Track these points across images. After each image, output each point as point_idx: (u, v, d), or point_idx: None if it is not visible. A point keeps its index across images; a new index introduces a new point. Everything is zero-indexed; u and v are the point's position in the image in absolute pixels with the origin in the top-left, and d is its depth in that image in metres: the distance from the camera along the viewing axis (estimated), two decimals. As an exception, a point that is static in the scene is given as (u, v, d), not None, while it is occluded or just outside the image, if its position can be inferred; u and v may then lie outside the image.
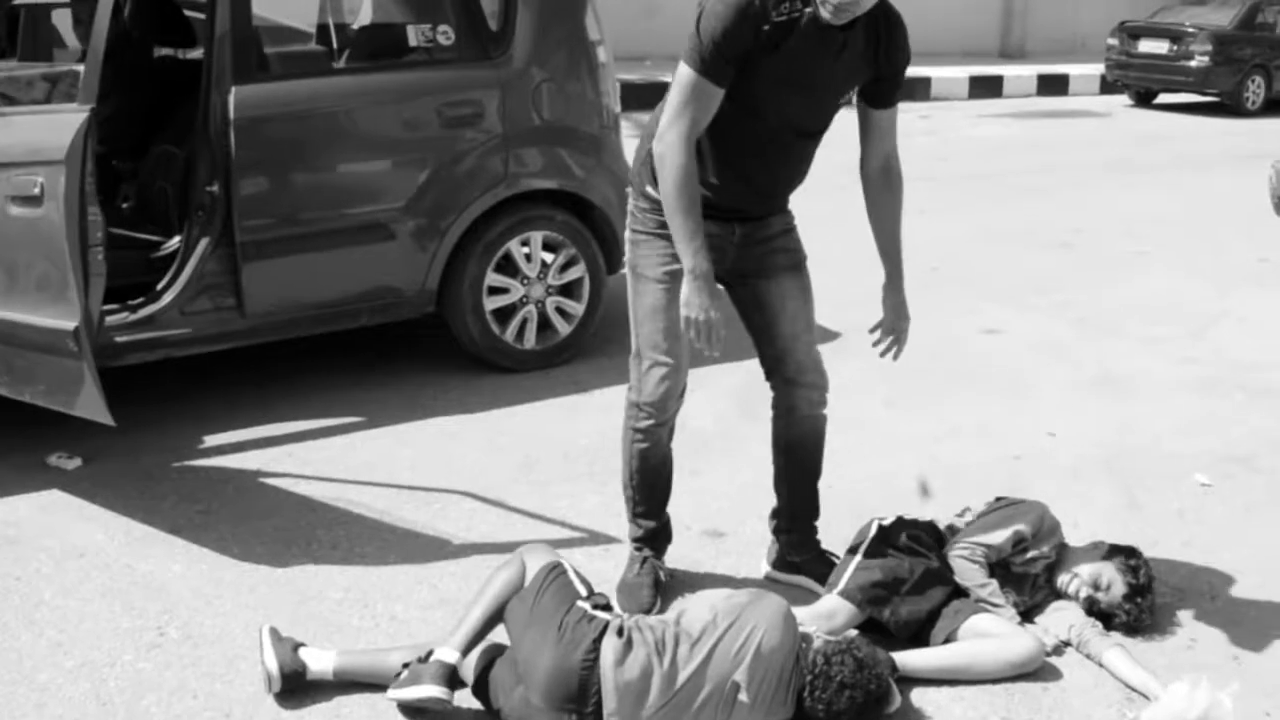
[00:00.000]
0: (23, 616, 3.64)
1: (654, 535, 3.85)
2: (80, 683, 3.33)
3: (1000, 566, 3.66)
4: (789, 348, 3.66)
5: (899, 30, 3.38)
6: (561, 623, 3.03)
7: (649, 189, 3.48)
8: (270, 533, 4.16)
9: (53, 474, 4.57)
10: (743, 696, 2.98)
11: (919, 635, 3.50)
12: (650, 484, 3.79)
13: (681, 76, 3.24)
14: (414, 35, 5.68)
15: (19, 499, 4.37)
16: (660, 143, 3.27)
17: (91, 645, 3.50)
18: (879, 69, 3.39)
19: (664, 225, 3.41)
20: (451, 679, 3.09)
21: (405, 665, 3.17)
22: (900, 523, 3.73)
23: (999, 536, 3.68)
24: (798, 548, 3.90)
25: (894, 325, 3.69)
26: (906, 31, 3.40)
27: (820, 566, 3.83)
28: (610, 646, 3.00)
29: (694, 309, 3.29)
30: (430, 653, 3.14)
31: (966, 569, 3.63)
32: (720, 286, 3.47)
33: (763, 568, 3.98)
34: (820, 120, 3.46)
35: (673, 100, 3.26)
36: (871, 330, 3.70)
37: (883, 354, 3.69)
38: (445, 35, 5.58)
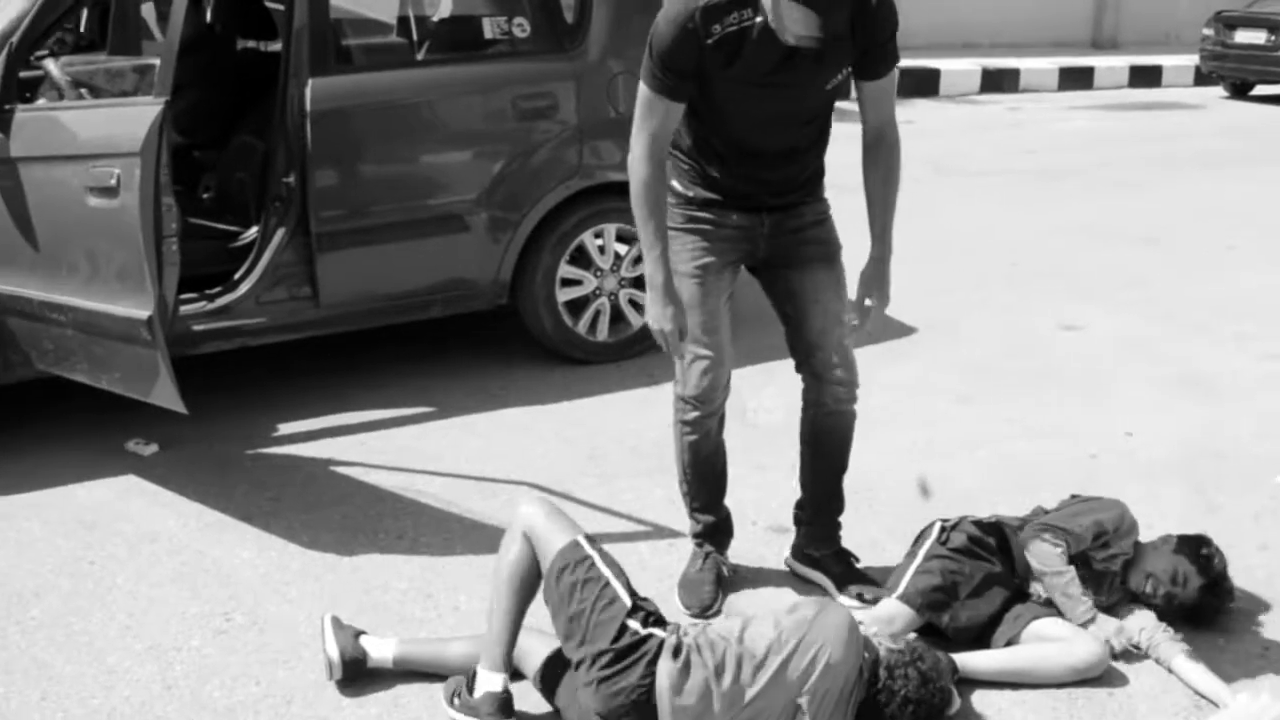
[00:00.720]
0: (96, 599, 3.71)
1: (713, 530, 3.84)
2: (148, 665, 3.39)
3: (1080, 563, 3.58)
4: (819, 342, 3.61)
5: (881, 3, 3.28)
6: (612, 651, 2.91)
7: (674, 183, 3.49)
8: (338, 521, 4.20)
9: (130, 459, 4.65)
10: (804, 717, 2.90)
11: (979, 639, 3.45)
12: (703, 476, 3.77)
13: (639, 93, 3.29)
14: (490, 28, 5.70)
15: (98, 483, 4.46)
16: (629, 156, 3.34)
17: (160, 629, 3.56)
18: (862, 43, 3.30)
19: (692, 220, 3.46)
20: (506, 706, 3.05)
21: (455, 695, 3.13)
22: (964, 524, 3.67)
23: (1079, 524, 3.62)
24: (818, 542, 3.86)
25: (867, 303, 3.60)
26: (890, 2, 3.31)
27: (837, 565, 3.81)
28: (666, 671, 2.88)
29: (652, 319, 3.39)
30: (474, 675, 3.09)
31: (1045, 552, 3.54)
32: (751, 275, 3.59)
33: (783, 554, 3.96)
34: (811, 109, 3.40)
35: (635, 116, 3.32)
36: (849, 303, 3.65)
37: (851, 328, 3.62)
38: (521, 28, 5.60)
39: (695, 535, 3.86)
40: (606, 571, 3.02)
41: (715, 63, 3.19)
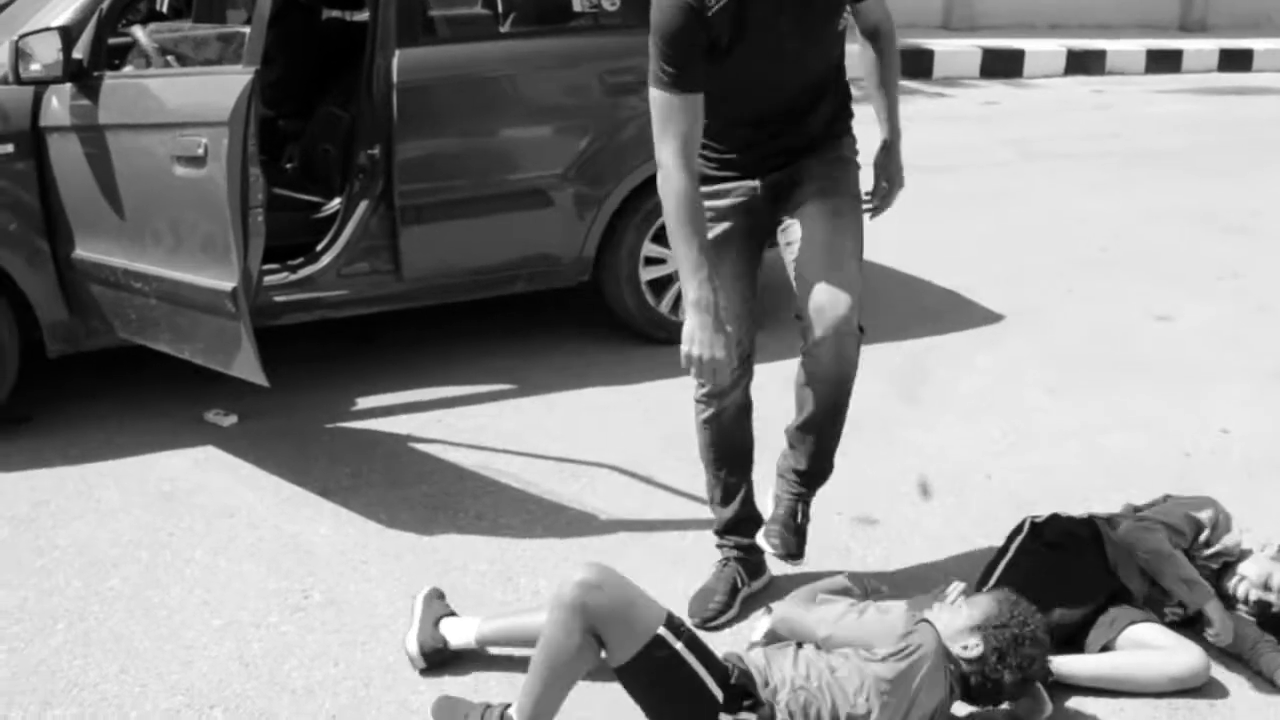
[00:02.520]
0: (174, 573, 3.70)
1: (736, 524, 3.67)
2: (225, 642, 3.36)
3: None
4: (803, 275, 3.21)
5: None
6: None
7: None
8: (418, 499, 4.16)
9: (209, 430, 4.64)
10: None
11: (1072, 640, 3.33)
12: (719, 458, 3.61)
13: (653, 100, 3.06)
14: (578, 1, 5.62)
15: (176, 453, 4.45)
16: (659, 172, 3.07)
17: (238, 605, 3.53)
18: None
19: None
20: None
21: None
22: (1055, 519, 3.56)
23: (1175, 518, 3.52)
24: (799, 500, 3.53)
25: (884, 184, 3.54)
26: None
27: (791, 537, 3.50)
28: None
29: (696, 345, 3.03)
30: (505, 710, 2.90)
31: (1147, 539, 3.44)
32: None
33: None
34: (819, 59, 3.25)
35: (654, 123, 3.07)
36: (866, 194, 3.49)
37: (869, 215, 3.47)
38: (610, 1, 5.51)
39: (716, 532, 3.70)
40: (694, 663, 2.76)
41: (721, 33, 3.01)
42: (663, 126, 3.05)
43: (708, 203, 3.23)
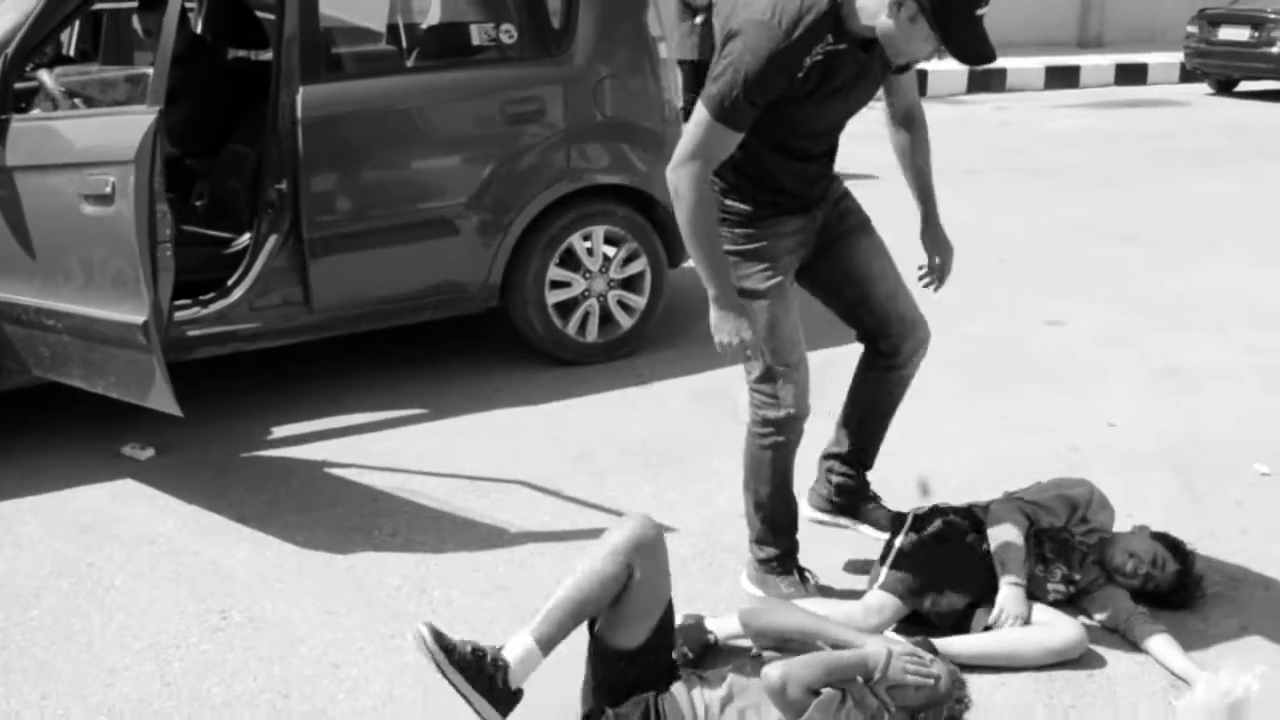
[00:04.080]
0: (94, 600, 3.78)
1: (793, 551, 3.82)
2: (146, 663, 3.45)
3: (1054, 541, 3.68)
4: (889, 309, 3.74)
5: None
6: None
7: (729, 203, 3.49)
8: (332, 521, 4.27)
9: (126, 464, 4.72)
10: None
11: (960, 624, 3.52)
12: (788, 498, 3.77)
13: (700, 118, 3.21)
14: (478, 34, 5.78)
15: (94, 488, 4.53)
16: (673, 174, 3.27)
17: (158, 628, 3.63)
18: None
19: (751, 239, 3.49)
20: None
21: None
22: (935, 511, 3.76)
23: (1047, 498, 3.75)
24: (864, 495, 4.10)
25: (937, 261, 3.86)
26: None
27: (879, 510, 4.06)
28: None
29: (725, 333, 3.34)
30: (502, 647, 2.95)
31: (1004, 513, 3.66)
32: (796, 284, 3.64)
33: (804, 510, 3.98)
34: (858, 109, 3.52)
35: (689, 137, 3.24)
36: (919, 269, 3.85)
37: (926, 286, 3.86)
38: (509, 34, 5.67)
39: (772, 560, 3.79)
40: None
41: (799, 90, 3.22)
42: (697, 148, 3.23)
43: (765, 243, 3.49)
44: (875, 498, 4.11)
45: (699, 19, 10.51)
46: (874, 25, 3.13)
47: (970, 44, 3.07)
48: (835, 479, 4.07)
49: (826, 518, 4.10)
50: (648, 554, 2.93)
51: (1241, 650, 3.51)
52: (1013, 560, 3.55)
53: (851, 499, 4.08)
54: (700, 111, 3.22)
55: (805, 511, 4.00)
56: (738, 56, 3.15)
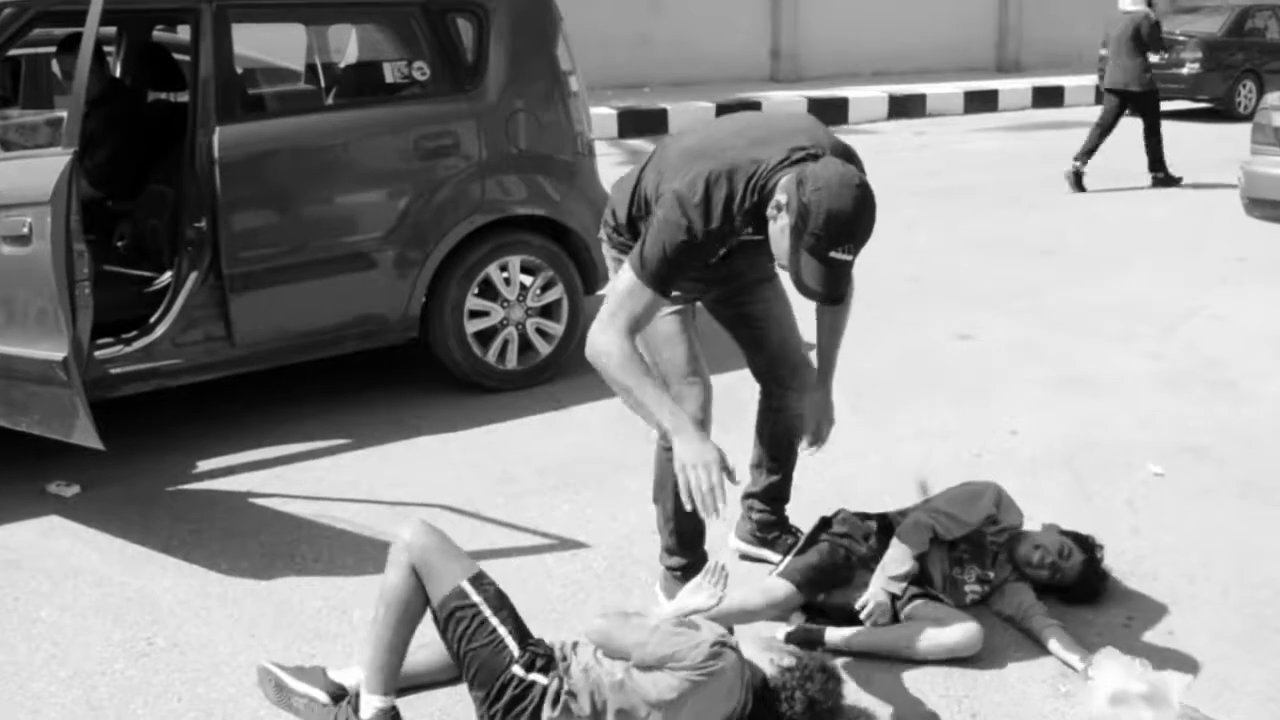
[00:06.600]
0: (20, 632, 3.86)
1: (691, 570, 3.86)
2: (73, 690, 3.53)
3: (968, 541, 3.84)
4: (780, 354, 3.92)
5: None
6: (500, 706, 3.01)
7: (623, 239, 3.59)
8: (257, 548, 4.37)
9: (52, 501, 4.79)
10: None
11: (853, 622, 3.66)
12: (694, 513, 3.73)
13: (626, 279, 3.24)
14: (392, 72, 5.92)
15: (20, 525, 4.59)
16: (602, 336, 3.21)
17: (84, 656, 3.71)
18: None
19: None
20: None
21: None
22: (841, 513, 3.94)
23: (959, 505, 3.88)
24: (772, 526, 4.22)
25: (816, 425, 3.91)
26: None
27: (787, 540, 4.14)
28: None
29: (696, 456, 3.10)
30: (359, 697, 3.15)
31: (908, 533, 3.76)
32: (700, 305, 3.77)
33: (731, 542, 4.23)
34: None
35: (614, 296, 3.26)
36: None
37: (810, 451, 3.97)
38: (422, 71, 5.82)
39: (678, 569, 3.87)
40: (493, 619, 3.06)
41: (714, 256, 3.34)
42: (623, 306, 3.22)
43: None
44: (795, 531, 4.18)
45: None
46: None
47: (807, 276, 3.11)
48: (756, 516, 4.23)
49: (752, 550, 4.23)
50: (418, 554, 3.13)
51: (1126, 639, 3.69)
52: (894, 565, 3.69)
53: (771, 533, 4.22)
54: (625, 271, 3.26)
55: (732, 543, 4.24)
56: (657, 231, 3.21)
